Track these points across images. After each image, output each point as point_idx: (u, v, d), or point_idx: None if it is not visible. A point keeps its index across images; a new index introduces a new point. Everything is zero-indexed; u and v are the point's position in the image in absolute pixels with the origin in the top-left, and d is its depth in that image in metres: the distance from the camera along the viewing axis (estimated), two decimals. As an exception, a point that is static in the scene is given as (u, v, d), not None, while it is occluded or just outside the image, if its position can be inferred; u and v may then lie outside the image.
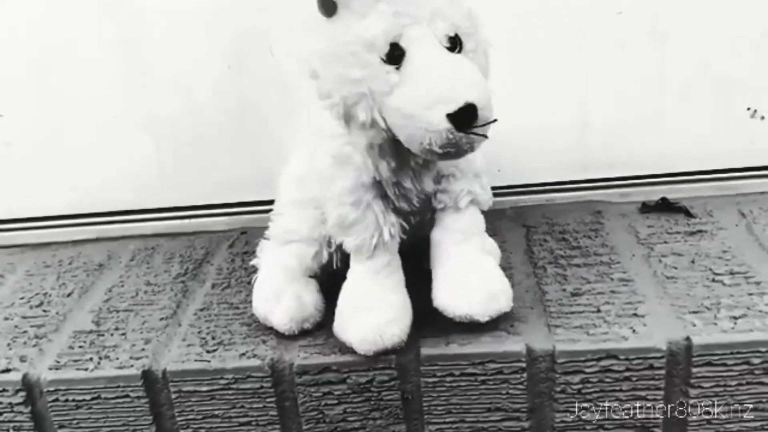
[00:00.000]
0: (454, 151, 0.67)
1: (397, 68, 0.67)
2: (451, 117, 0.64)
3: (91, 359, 0.82)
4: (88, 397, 0.80)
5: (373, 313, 0.75)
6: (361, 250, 0.76)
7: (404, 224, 0.78)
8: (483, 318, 0.75)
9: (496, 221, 0.99)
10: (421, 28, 0.68)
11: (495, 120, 0.66)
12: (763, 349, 0.73)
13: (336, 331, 0.77)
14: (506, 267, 0.88)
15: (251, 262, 0.88)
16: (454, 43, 0.69)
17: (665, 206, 0.99)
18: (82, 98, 1.03)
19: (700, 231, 0.93)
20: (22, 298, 0.95)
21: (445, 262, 0.77)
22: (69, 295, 0.95)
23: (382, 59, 0.67)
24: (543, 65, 0.98)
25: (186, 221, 1.08)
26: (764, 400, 0.75)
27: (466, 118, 0.64)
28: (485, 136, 0.67)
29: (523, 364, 0.76)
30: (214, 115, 1.03)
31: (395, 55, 0.67)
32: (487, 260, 0.78)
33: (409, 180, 0.75)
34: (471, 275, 0.76)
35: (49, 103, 1.03)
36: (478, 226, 0.79)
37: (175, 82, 1.01)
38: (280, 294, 0.80)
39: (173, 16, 0.98)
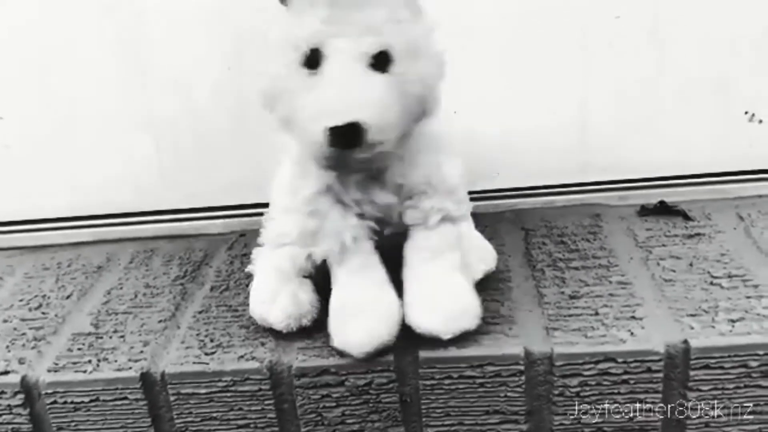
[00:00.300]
0: (336, 166, 0.67)
1: (313, 74, 0.67)
2: (330, 132, 0.64)
3: (89, 361, 0.82)
4: (86, 400, 0.80)
5: (358, 318, 0.75)
6: (329, 257, 0.76)
7: (375, 226, 0.77)
8: (445, 336, 0.76)
9: (494, 224, 0.99)
10: (344, 41, 0.66)
11: (383, 146, 0.65)
12: (761, 352, 0.73)
13: (332, 340, 0.77)
14: (504, 270, 0.89)
15: (246, 269, 0.88)
16: (380, 62, 0.67)
17: (663, 209, 0.99)
18: (81, 99, 1.03)
19: (698, 234, 0.93)
20: (20, 301, 0.95)
21: (413, 279, 0.77)
22: (68, 297, 0.95)
23: (301, 61, 0.67)
24: (542, 68, 0.98)
25: (185, 223, 1.08)
26: (762, 402, 0.75)
27: (345, 137, 0.64)
28: (370, 160, 0.66)
29: (522, 367, 0.76)
30: (213, 116, 1.03)
31: (314, 60, 0.67)
32: (455, 278, 0.78)
33: (354, 189, 0.75)
34: (437, 294, 0.76)
35: (47, 104, 1.04)
36: (449, 243, 0.78)
37: (175, 82, 1.02)
38: (276, 294, 0.81)
39: (173, 16, 0.99)
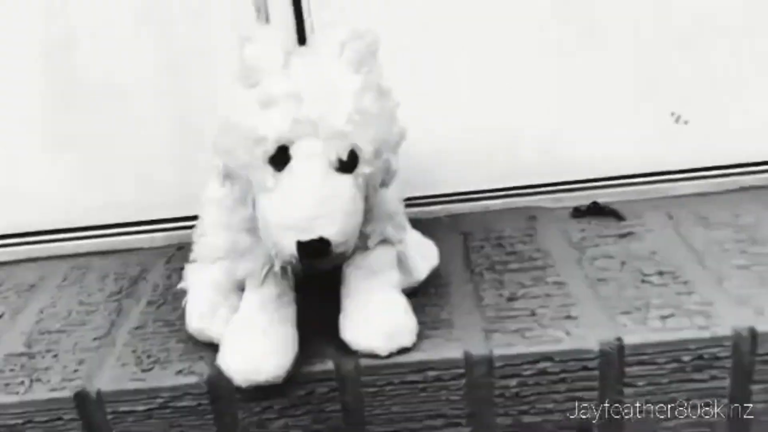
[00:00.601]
0: (297, 269, 0.70)
1: (279, 170, 0.67)
2: (300, 246, 0.65)
3: (22, 382, 0.79)
4: (20, 422, 0.78)
5: (253, 344, 0.75)
6: (252, 277, 0.76)
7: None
8: (383, 353, 0.76)
9: (432, 230, 0.99)
10: (313, 143, 0.66)
11: (347, 250, 0.68)
12: (693, 347, 0.76)
13: (218, 358, 0.76)
14: (444, 274, 0.89)
15: (179, 286, 0.87)
16: (346, 164, 0.68)
17: (596, 210, 1.01)
18: (7, 111, 1.00)
19: (629, 233, 0.95)
20: (-51, 323, 0.92)
21: (352, 297, 0.78)
22: (0, 317, 0.92)
23: (266, 160, 0.67)
24: (474, 72, 0.99)
25: (120, 238, 1.06)
26: (695, 396, 0.77)
27: (314, 251, 0.65)
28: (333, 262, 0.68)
29: (462, 370, 0.76)
30: (148, 128, 1.01)
31: (280, 158, 0.67)
32: (392, 296, 0.79)
33: None
34: (375, 311, 0.77)
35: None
36: (388, 262, 0.79)
37: (107, 95, 1.00)
38: (215, 307, 0.80)
39: (106, 25, 0.97)
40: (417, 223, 0.91)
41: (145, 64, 0.98)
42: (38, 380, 0.79)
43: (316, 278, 0.77)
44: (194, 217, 1.02)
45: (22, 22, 0.96)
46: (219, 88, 0.95)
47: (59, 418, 0.78)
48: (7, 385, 0.79)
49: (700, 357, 0.76)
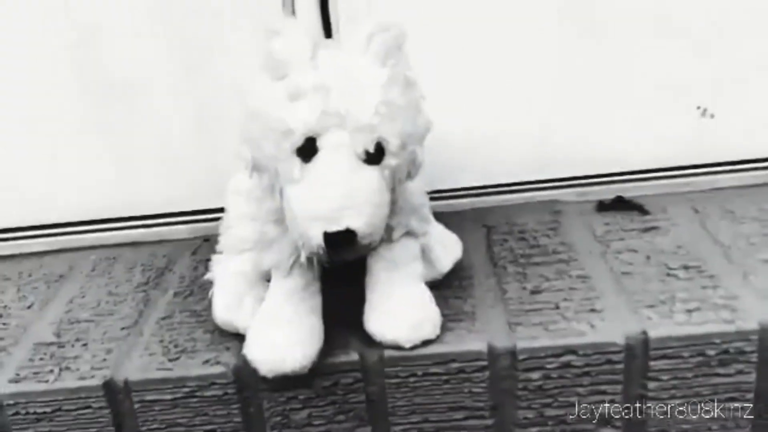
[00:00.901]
0: (323, 260, 0.69)
1: (306, 162, 0.67)
2: (326, 237, 0.65)
3: (51, 371, 0.81)
4: (49, 410, 0.79)
5: (279, 333, 0.75)
6: (278, 268, 0.76)
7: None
8: (407, 344, 0.77)
9: (456, 223, 0.99)
10: (341, 135, 0.67)
11: (373, 242, 0.68)
12: (718, 341, 0.75)
13: (244, 348, 0.77)
14: (467, 267, 0.90)
15: (205, 277, 0.88)
16: (373, 155, 0.68)
17: (621, 204, 1.01)
18: (38, 107, 1.02)
19: (654, 227, 0.95)
20: (-20, 312, 0.94)
21: (376, 289, 0.78)
22: (29, 307, 0.94)
23: (293, 151, 0.67)
24: (501, 66, 0.99)
25: (148, 230, 1.07)
26: (721, 390, 0.77)
27: (340, 242, 0.65)
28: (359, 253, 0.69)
29: (485, 363, 0.77)
30: (174, 121, 1.02)
31: (308, 150, 0.67)
32: (417, 288, 0.79)
33: None
34: (398, 303, 0.77)
35: (2, 111, 1.02)
36: (411, 254, 0.80)
37: (134, 88, 1.01)
38: (241, 297, 0.81)
39: (130, 23, 0.98)
40: (441, 216, 0.91)
41: (168, 60, 1.00)
42: (67, 369, 0.81)
43: (340, 270, 0.78)
44: (220, 210, 1.03)
45: (50, 20, 0.98)
46: (240, 81, 0.96)
47: (88, 407, 0.79)
48: (36, 373, 0.81)
49: (726, 351, 0.75)
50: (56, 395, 0.79)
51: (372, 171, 0.68)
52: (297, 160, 0.67)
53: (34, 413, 0.79)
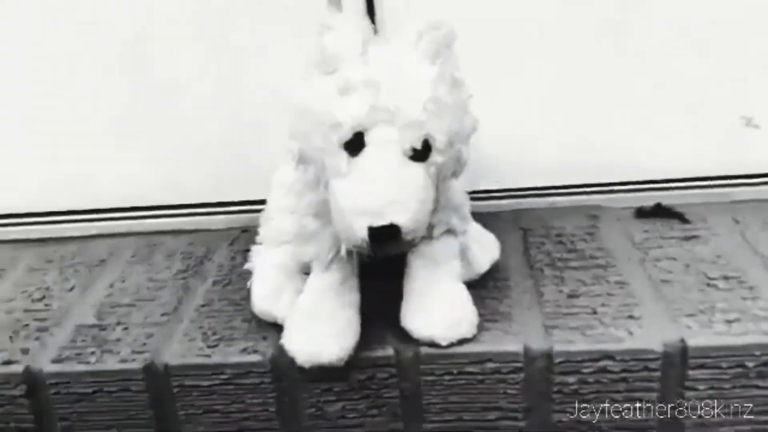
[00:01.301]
0: (365, 254, 0.70)
1: (354, 156, 0.68)
2: (371, 231, 0.66)
3: (93, 353, 0.82)
4: (89, 391, 0.81)
5: (317, 326, 0.76)
6: (318, 261, 0.77)
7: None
8: (444, 342, 0.77)
9: (493, 224, 0.99)
10: (389, 131, 0.67)
11: (417, 238, 0.68)
12: (758, 353, 0.75)
13: (282, 338, 0.78)
14: (503, 269, 0.90)
15: (245, 267, 0.89)
16: (420, 152, 0.69)
17: (660, 212, 1.00)
18: (87, 100, 1.04)
19: (694, 236, 0.94)
20: (23, 292, 0.96)
21: (414, 285, 0.79)
22: (71, 289, 0.96)
23: (341, 145, 0.68)
24: (543, 71, 0.99)
25: (187, 219, 1.09)
26: (759, 403, 0.76)
27: (384, 236, 0.66)
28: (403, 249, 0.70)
29: (520, 364, 0.77)
30: (214, 113, 1.04)
31: (356, 144, 0.68)
32: (455, 286, 0.79)
33: None
34: (436, 301, 0.78)
35: (53, 102, 1.04)
36: (451, 252, 0.80)
37: (176, 83, 1.02)
38: (280, 289, 0.82)
39: (172, 28, 1.00)
40: (478, 217, 0.92)
41: (207, 59, 1.01)
42: (108, 351, 0.82)
43: (379, 265, 0.78)
44: (257, 202, 1.04)
45: (107, 26, 1.01)
46: (276, 80, 0.98)
47: (128, 389, 0.80)
48: (78, 354, 0.82)
49: (765, 363, 0.75)
50: (97, 377, 0.80)
51: (418, 168, 0.69)
52: (344, 154, 0.68)
53: (75, 393, 0.81)
